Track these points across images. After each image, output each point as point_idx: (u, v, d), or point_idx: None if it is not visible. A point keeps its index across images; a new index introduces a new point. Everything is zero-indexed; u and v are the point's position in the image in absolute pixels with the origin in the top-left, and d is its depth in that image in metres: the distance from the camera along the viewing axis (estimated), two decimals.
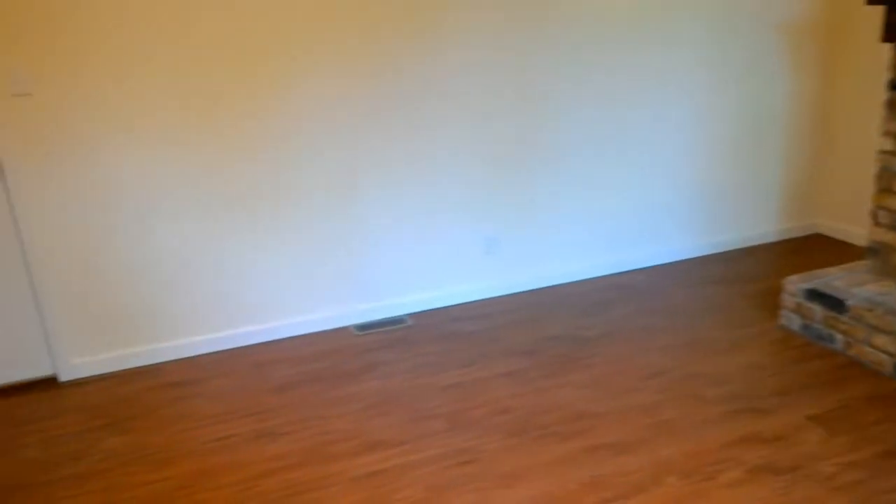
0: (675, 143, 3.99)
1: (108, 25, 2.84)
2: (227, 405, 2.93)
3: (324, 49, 3.16)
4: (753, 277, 3.95)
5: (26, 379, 3.13)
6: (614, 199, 3.96)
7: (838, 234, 4.46)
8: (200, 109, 3.05)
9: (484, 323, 3.55)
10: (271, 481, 2.45)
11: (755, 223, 4.40)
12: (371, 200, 3.45)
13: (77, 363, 3.16)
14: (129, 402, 2.98)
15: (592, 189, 3.88)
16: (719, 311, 3.57)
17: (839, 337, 3.11)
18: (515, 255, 3.85)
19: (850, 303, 3.04)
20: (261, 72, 3.10)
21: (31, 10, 2.73)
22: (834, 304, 3.11)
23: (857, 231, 4.27)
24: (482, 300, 3.82)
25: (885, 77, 3.77)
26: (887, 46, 3.71)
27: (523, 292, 3.90)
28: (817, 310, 3.20)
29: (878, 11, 3.91)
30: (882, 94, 3.81)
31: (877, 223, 3.22)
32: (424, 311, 3.72)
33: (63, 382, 3.15)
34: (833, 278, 3.28)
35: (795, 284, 3.29)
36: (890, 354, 2.90)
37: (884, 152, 3.14)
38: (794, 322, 3.33)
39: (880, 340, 2.94)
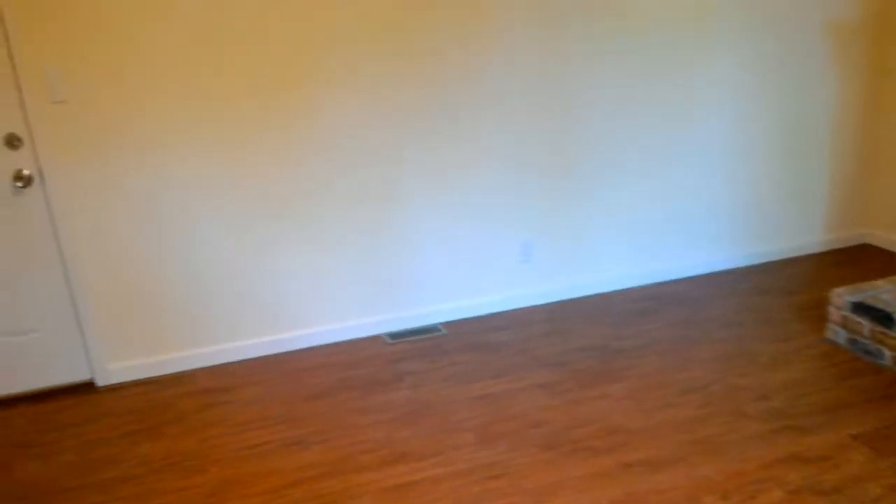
0: (716, 150, 3.89)
1: (147, 36, 2.87)
2: (260, 412, 2.94)
3: (362, 62, 3.15)
4: (798, 289, 3.83)
5: (65, 383, 3.18)
6: (654, 207, 3.88)
7: (887, 245, 4.30)
8: (238, 118, 3.07)
9: (518, 332, 3.50)
10: (300, 491, 2.44)
11: (800, 232, 4.27)
12: (407, 209, 3.43)
13: (114, 368, 3.20)
14: (163, 407, 3.01)
15: (632, 197, 3.81)
16: (762, 323, 3.47)
17: (887, 352, 3.00)
18: (551, 264, 3.79)
19: None
20: (302, 83, 3.10)
21: (70, 19, 2.77)
22: (882, 317, 2.99)
23: None
24: (517, 309, 3.78)
25: None
26: None
27: (559, 301, 3.84)
28: (865, 324, 3.08)
29: None
30: None
31: None
32: (458, 319, 3.69)
33: (100, 387, 3.20)
34: (881, 291, 3.16)
35: (842, 297, 3.18)
36: None
37: None
38: (840, 336, 3.21)
39: None
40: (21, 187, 2.89)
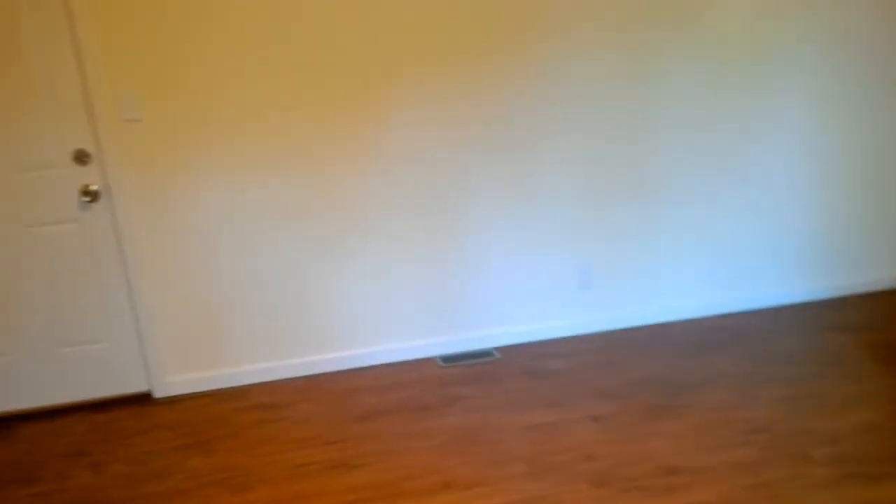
0: (791, 178, 3.73)
1: (221, 61, 2.94)
2: (310, 431, 2.93)
3: (429, 91, 3.17)
4: (876, 327, 3.62)
5: (123, 394, 3.26)
6: (724, 234, 3.74)
7: None
8: (302, 142, 3.11)
9: (574, 361, 3.41)
10: None
11: (880, 266, 4.04)
12: (465, 233, 3.40)
13: (171, 381, 3.26)
14: (216, 422, 3.04)
15: (699, 224, 3.68)
16: (835, 362, 3.28)
17: None
18: (612, 291, 3.69)
19: None
20: (371, 113, 3.14)
21: (144, 41, 2.86)
22: None
23: None
24: (574, 336, 3.69)
25: None
26: None
27: (618, 330, 3.74)
28: None
29: None
30: None
31: None
32: (513, 344, 3.62)
33: (157, 399, 3.26)
34: None
35: None
36: None
37: None
38: None
39: None
40: (88, 202, 2.98)
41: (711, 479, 2.49)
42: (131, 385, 3.25)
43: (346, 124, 3.14)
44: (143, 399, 3.26)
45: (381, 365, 3.48)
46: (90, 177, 2.96)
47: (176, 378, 3.27)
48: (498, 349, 3.57)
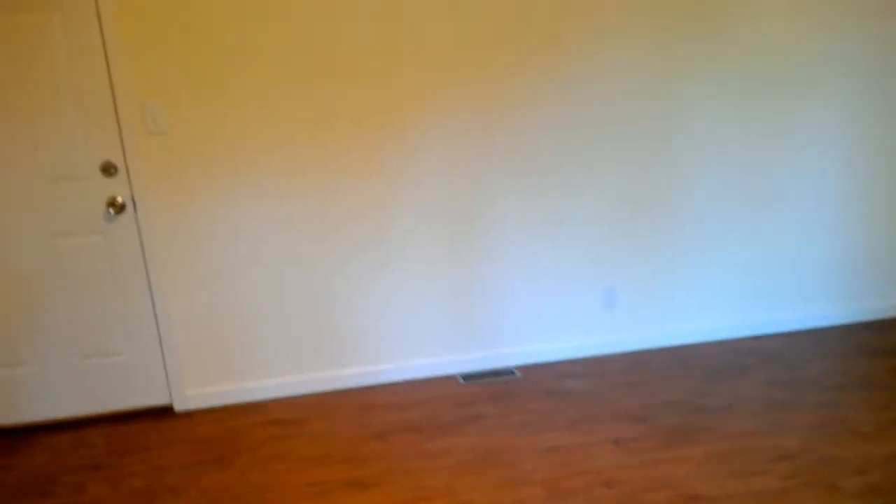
0: (824, 198, 3.64)
1: (242, 73, 2.96)
2: (325, 448, 2.91)
3: (457, 111, 3.16)
4: None
5: (144, 406, 3.27)
6: (751, 256, 3.66)
7: None
8: (327, 157, 3.12)
9: (596, 382, 3.35)
10: None
11: None
12: (490, 251, 3.38)
13: (191, 394, 3.27)
14: (233, 437, 3.03)
15: (727, 244, 3.61)
16: (867, 387, 3.18)
17: None
18: (637, 311, 3.63)
19: None
20: (399, 129, 3.15)
21: (172, 56, 2.89)
22: None
23: None
24: (597, 356, 3.63)
25: None
26: None
27: (642, 350, 3.67)
28: None
29: None
30: None
31: None
32: (535, 363, 3.58)
33: (177, 412, 3.26)
34: None
35: None
36: None
37: None
38: None
39: None
40: (114, 214, 3.01)
41: None
42: (152, 398, 3.26)
43: (372, 141, 3.14)
44: (164, 412, 3.27)
45: (401, 381, 3.45)
46: (116, 189, 3.00)
47: (196, 392, 3.28)
48: (519, 368, 3.52)
